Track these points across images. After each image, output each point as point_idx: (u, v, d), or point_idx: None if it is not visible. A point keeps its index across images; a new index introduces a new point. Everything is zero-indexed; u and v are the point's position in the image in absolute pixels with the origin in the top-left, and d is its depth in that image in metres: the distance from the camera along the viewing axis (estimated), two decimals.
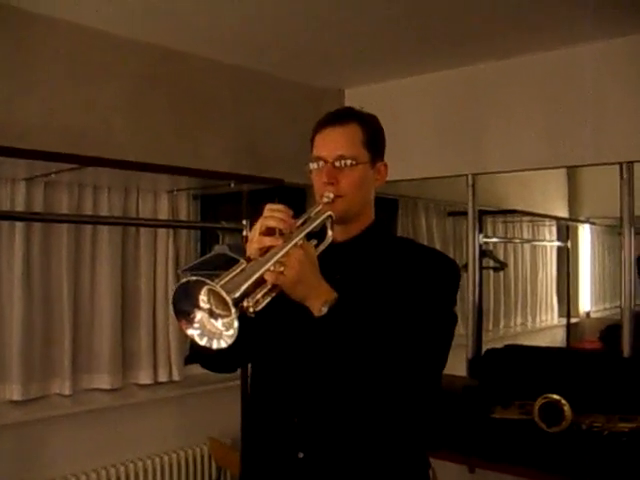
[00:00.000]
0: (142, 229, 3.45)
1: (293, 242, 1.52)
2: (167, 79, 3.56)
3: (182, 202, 3.57)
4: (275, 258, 1.48)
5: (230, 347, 1.41)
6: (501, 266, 4.31)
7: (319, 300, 1.52)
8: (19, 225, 3.03)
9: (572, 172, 4.12)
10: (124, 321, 3.41)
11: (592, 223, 4.36)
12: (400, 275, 1.65)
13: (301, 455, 1.64)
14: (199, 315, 1.40)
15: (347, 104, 4.37)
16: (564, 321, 4.46)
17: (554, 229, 4.59)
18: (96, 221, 3.28)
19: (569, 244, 4.44)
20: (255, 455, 1.76)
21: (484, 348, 3.88)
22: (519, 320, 4.48)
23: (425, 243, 4.33)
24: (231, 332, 1.36)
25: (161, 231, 3.52)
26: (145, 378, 3.47)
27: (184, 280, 1.37)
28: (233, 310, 1.33)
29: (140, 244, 3.47)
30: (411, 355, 1.55)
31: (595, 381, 3.23)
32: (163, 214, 3.51)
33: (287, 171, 3.45)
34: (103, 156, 2.90)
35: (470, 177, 3.86)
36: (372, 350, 1.52)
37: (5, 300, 3.04)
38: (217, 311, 1.38)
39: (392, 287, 1.64)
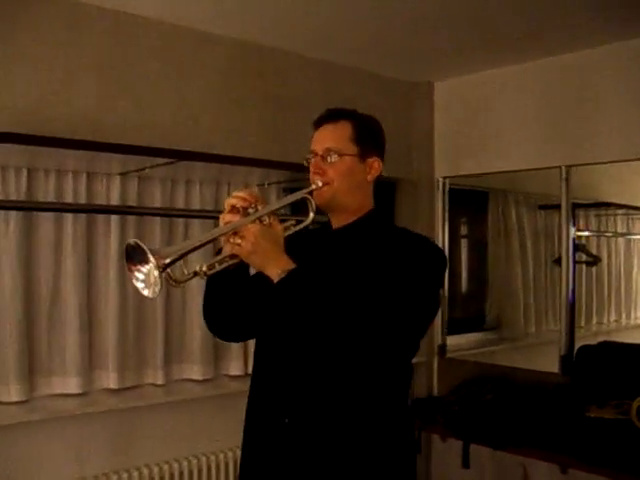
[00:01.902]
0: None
1: (251, 218, 1.75)
2: (256, 74, 3.59)
3: (273, 195, 3.60)
4: (224, 231, 1.75)
5: (229, 314, 1.94)
6: (594, 260, 4.19)
7: (275, 269, 1.72)
8: (114, 218, 3.11)
9: None
10: None
11: None
12: (380, 257, 1.82)
13: (287, 420, 1.84)
14: (147, 267, 1.64)
15: (437, 97, 4.36)
16: None
17: None
18: (188, 214, 3.34)
19: None
20: (249, 423, 2.00)
21: (576, 345, 3.78)
22: (612, 317, 4.34)
23: (516, 236, 4.27)
24: (157, 289, 1.62)
25: None
26: (236, 369, 3.51)
27: (131, 242, 1.66)
28: (156, 272, 1.60)
29: None
30: (365, 325, 1.68)
31: None
32: None
33: None
34: (194, 150, 2.96)
35: (564, 169, 3.76)
36: (323, 316, 1.67)
37: (102, 291, 3.13)
38: (156, 267, 1.62)
39: (368, 266, 1.81)
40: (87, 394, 3.07)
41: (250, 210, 1.78)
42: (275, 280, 1.71)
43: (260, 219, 1.77)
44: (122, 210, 3.10)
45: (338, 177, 1.89)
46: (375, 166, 1.95)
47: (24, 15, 2.86)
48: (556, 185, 3.81)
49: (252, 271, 1.89)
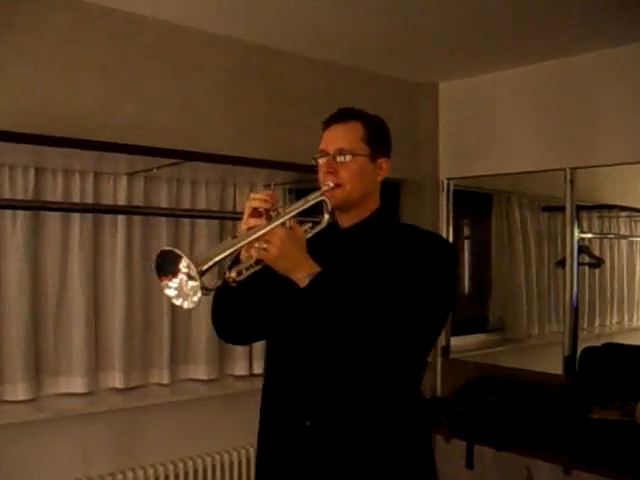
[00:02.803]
0: (239, 222, 3.48)
1: (277, 222, 1.70)
2: (262, 75, 3.60)
3: (279, 196, 3.61)
4: (253, 236, 1.68)
5: (239, 318, 1.90)
6: (598, 262, 4.19)
7: (302, 273, 1.69)
8: (121, 218, 3.13)
9: None
10: None
11: None
12: (394, 255, 1.81)
13: (309, 423, 1.81)
14: (179, 277, 1.59)
15: (441, 98, 4.37)
16: None
17: None
18: (194, 214, 3.35)
19: None
20: (267, 425, 1.95)
21: (579, 347, 3.79)
22: (615, 319, 4.34)
23: (520, 238, 4.27)
24: (196, 298, 1.56)
25: None
26: (241, 369, 3.53)
27: (165, 249, 1.60)
28: (193, 283, 1.55)
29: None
30: (393, 326, 1.68)
31: None
32: None
33: None
34: (200, 151, 2.97)
35: (568, 171, 3.77)
36: (352, 318, 1.66)
37: (108, 291, 3.15)
38: (192, 274, 1.56)
39: (384, 265, 1.80)
40: (93, 393, 3.09)
41: (272, 213, 1.73)
42: (302, 284, 1.69)
43: (283, 223, 1.73)
44: (129, 210, 3.12)
45: (351, 178, 1.87)
46: (384, 167, 1.95)
47: (30, 15, 2.87)
48: (560, 187, 3.82)
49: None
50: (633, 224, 4.44)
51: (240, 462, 3.43)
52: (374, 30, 3.40)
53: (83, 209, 3.01)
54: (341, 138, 1.90)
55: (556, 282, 4.07)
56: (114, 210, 3.10)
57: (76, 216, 3.01)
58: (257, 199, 1.75)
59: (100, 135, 2.82)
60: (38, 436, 2.94)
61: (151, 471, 3.18)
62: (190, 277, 1.56)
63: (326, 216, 1.88)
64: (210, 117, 3.40)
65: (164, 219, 3.27)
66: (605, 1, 3.00)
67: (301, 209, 1.82)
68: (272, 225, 1.69)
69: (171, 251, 1.57)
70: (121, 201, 3.12)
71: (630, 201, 4.15)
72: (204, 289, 1.59)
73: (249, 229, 1.71)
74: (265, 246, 1.68)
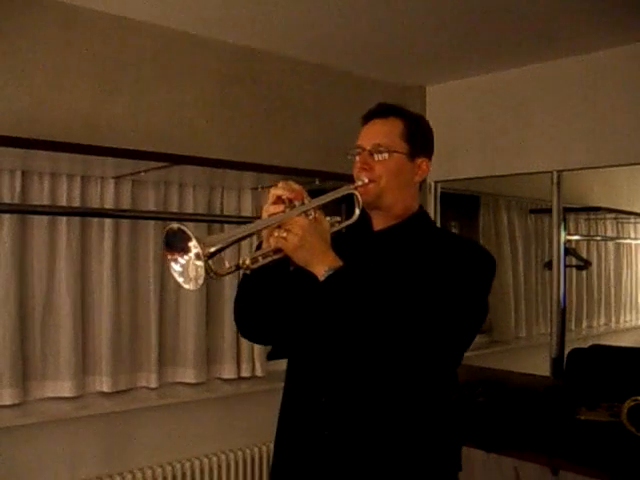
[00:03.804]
0: (226, 226, 3.49)
1: (298, 211, 1.64)
2: (250, 78, 3.60)
3: (266, 199, 3.60)
4: (269, 222, 1.64)
5: (264, 315, 1.81)
6: (585, 264, 4.21)
7: (322, 266, 1.62)
8: (108, 222, 3.12)
9: None
10: (208, 316, 3.47)
11: None
12: (428, 260, 1.73)
13: (326, 433, 1.75)
14: (186, 258, 1.55)
15: (428, 101, 4.38)
16: None
17: None
18: (181, 218, 3.34)
19: None
20: (285, 434, 1.88)
21: (567, 348, 3.81)
22: (602, 320, 4.36)
23: (507, 241, 4.29)
24: (201, 280, 1.52)
25: None
26: (228, 373, 3.52)
27: (174, 226, 1.54)
28: (199, 262, 1.50)
29: None
30: (412, 332, 1.59)
31: None
32: (247, 211, 3.56)
33: None
34: (188, 155, 2.97)
35: (555, 174, 3.79)
36: (368, 318, 1.58)
37: (95, 294, 3.13)
38: (199, 256, 1.51)
39: (415, 270, 1.71)
40: (80, 397, 3.07)
41: (296, 203, 1.67)
42: (321, 278, 1.62)
43: (306, 213, 1.66)
44: (116, 214, 3.11)
45: (386, 174, 1.80)
46: (423, 167, 1.88)
47: (18, 18, 2.86)
48: (547, 190, 3.84)
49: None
50: (620, 226, 4.46)
51: (229, 465, 3.42)
52: (362, 34, 3.40)
53: (70, 212, 3.00)
54: (379, 134, 1.83)
55: (543, 284, 4.09)
56: (101, 213, 3.09)
57: (63, 220, 3.00)
58: (282, 187, 1.69)
59: (87, 138, 2.82)
60: (25, 441, 2.92)
61: (139, 475, 3.16)
62: (197, 258, 1.51)
63: (357, 211, 1.81)
64: (198, 120, 3.40)
65: (152, 222, 3.26)
66: (587, 6, 3.02)
67: (327, 200, 1.75)
68: (292, 213, 1.64)
69: (181, 230, 1.52)
70: (108, 204, 3.11)
71: (617, 203, 4.17)
72: (214, 273, 1.54)
73: (269, 216, 1.67)
74: (285, 235, 1.62)
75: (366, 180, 1.80)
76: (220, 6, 3.04)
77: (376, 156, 1.81)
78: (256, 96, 3.62)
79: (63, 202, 2.99)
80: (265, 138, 3.62)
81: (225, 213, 3.51)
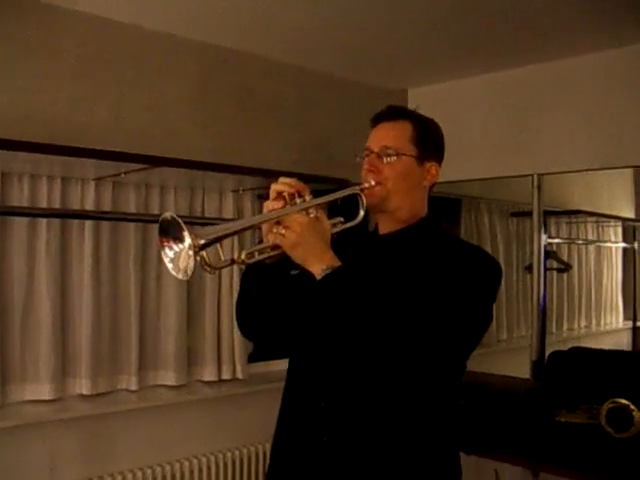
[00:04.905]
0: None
1: (298, 208, 1.63)
2: (231, 80, 3.60)
3: (247, 201, 3.61)
4: (265, 218, 1.64)
5: (266, 314, 1.80)
6: (565, 267, 4.24)
7: (320, 265, 1.60)
8: (89, 224, 3.10)
9: (639, 172, 4.03)
10: (189, 319, 3.46)
11: None
12: (432, 266, 1.69)
13: (325, 440, 1.72)
14: (179, 247, 1.53)
15: (410, 104, 4.36)
16: (630, 324, 4.36)
17: (620, 230, 4.49)
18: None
19: (635, 245, 4.34)
20: (282, 440, 1.87)
21: (547, 351, 3.83)
22: (583, 322, 4.39)
23: (489, 244, 4.30)
24: (190, 271, 1.50)
25: None
26: (209, 375, 3.51)
27: (166, 216, 1.53)
28: (190, 252, 1.48)
29: None
30: (409, 337, 1.56)
31: None
32: (228, 213, 3.55)
33: (351, 171, 3.43)
34: (169, 156, 2.96)
35: (536, 177, 3.81)
36: (364, 320, 1.55)
37: (75, 297, 3.12)
38: (190, 246, 1.50)
39: (418, 275, 1.68)
40: (60, 400, 3.05)
41: (297, 200, 1.66)
42: (318, 276, 1.59)
43: (307, 210, 1.65)
44: (97, 215, 3.09)
45: (393, 177, 1.78)
46: (432, 171, 1.85)
47: None
48: (528, 193, 3.87)
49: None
50: (600, 229, 4.49)
51: (209, 468, 3.41)
52: (344, 36, 3.41)
53: (50, 214, 2.98)
54: (387, 136, 1.81)
55: (524, 287, 4.10)
56: (82, 215, 3.08)
57: (43, 221, 2.98)
58: (282, 183, 1.68)
59: (68, 140, 2.80)
60: (4, 444, 2.90)
61: (119, 478, 3.15)
62: (189, 248, 1.50)
63: (361, 213, 1.79)
64: (179, 122, 3.39)
65: (132, 225, 3.24)
66: (577, 8, 3.04)
67: (330, 200, 1.74)
68: (291, 209, 1.63)
69: (174, 220, 1.51)
70: (89, 206, 3.09)
71: (598, 206, 4.20)
72: (208, 266, 1.55)
73: (269, 212, 1.66)
74: (283, 232, 1.61)
75: (373, 182, 1.78)
76: (202, 7, 3.04)
77: (384, 159, 1.79)
78: (238, 98, 3.62)
79: (43, 204, 2.97)
80: (247, 140, 3.62)
81: (206, 215, 3.50)
